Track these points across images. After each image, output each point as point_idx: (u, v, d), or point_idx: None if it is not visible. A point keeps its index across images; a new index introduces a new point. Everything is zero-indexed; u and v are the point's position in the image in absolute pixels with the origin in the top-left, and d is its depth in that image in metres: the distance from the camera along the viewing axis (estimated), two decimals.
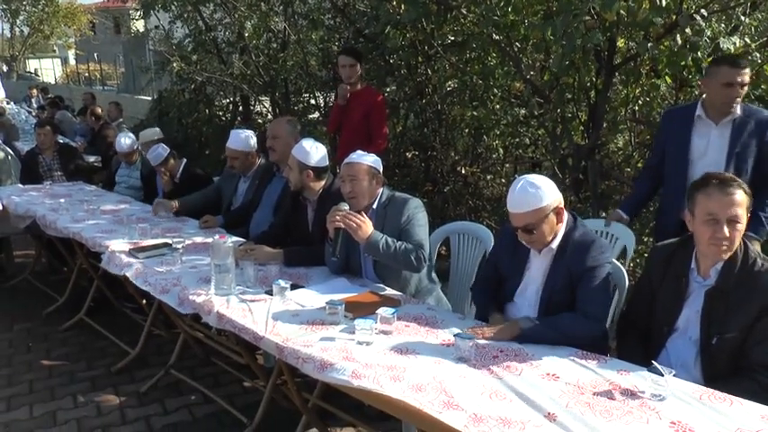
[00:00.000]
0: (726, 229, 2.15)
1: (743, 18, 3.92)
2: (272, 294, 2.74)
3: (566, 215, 2.51)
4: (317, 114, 7.96)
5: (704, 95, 3.16)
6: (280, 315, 2.56)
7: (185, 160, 4.90)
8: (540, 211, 2.40)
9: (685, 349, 2.29)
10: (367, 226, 2.81)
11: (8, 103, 12.03)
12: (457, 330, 2.34)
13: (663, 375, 1.92)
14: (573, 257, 2.44)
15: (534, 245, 2.52)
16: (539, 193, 2.40)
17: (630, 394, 1.92)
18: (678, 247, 2.37)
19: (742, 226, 2.17)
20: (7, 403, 3.51)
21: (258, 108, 9.26)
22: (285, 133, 3.97)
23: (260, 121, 8.92)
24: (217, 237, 2.83)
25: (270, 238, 3.47)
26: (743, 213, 2.16)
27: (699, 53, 3.78)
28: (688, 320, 2.30)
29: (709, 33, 3.76)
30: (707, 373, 2.20)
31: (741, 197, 2.16)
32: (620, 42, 4.42)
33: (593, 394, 1.93)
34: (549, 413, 1.82)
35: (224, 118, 9.53)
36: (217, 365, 3.82)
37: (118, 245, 3.56)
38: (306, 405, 2.92)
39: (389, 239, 2.83)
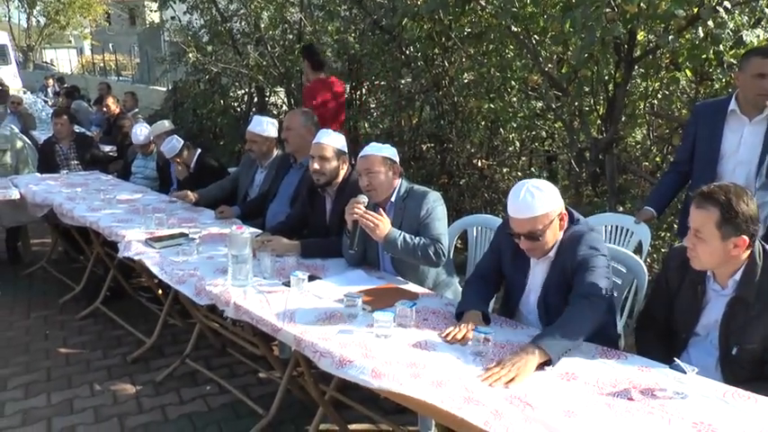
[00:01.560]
0: (690, 240, 2.12)
1: (767, 10, 3.85)
2: (289, 286, 2.73)
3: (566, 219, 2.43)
4: None
5: (738, 89, 3.06)
6: (297, 307, 2.55)
7: (200, 150, 4.90)
8: (546, 216, 2.33)
9: (706, 355, 2.25)
10: (384, 225, 2.77)
11: (25, 93, 12.12)
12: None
13: (685, 373, 1.89)
14: (565, 255, 2.38)
15: (535, 252, 2.43)
16: (544, 197, 2.32)
17: (651, 393, 1.89)
18: None
19: (708, 246, 2.07)
20: (25, 390, 3.54)
21: (273, 99, 9.25)
22: (298, 125, 3.96)
23: (275, 112, 8.91)
24: (234, 227, 2.82)
25: (287, 230, 3.46)
26: (708, 231, 2.06)
27: (721, 46, 3.72)
28: (706, 329, 2.26)
29: (731, 26, 3.70)
30: (728, 380, 2.14)
31: (712, 215, 2.05)
32: (640, 35, 4.36)
33: (614, 393, 1.90)
34: (568, 410, 1.80)
35: (239, 109, 9.53)
36: (232, 356, 3.84)
37: (134, 234, 3.57)
38: (322, 397, 2.91)
39: (407, 236, 2.80)
